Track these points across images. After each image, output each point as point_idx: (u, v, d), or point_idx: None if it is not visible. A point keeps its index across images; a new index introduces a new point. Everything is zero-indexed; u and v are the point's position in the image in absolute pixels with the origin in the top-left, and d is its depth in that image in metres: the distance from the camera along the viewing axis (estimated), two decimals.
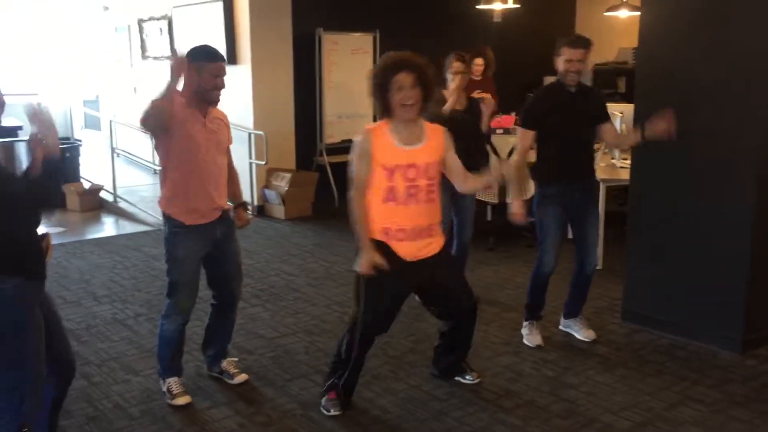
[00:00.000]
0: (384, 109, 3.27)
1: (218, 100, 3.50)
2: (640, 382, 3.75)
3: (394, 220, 3.23)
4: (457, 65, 4.62)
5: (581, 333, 4.29)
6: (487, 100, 4.85)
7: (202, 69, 3.37)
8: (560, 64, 3.92)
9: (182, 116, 3.36)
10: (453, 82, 4.61)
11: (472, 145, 4.59)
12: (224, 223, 3.58)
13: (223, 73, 3.43)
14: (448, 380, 3.76)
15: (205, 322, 3.83)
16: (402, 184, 3.20)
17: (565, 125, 3.95)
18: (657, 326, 4.38)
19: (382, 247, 3.24)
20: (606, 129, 4.09)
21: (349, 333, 3.42)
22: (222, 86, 3.44)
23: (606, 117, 4.08)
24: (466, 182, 3.42)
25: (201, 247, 3.51)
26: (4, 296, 2.58)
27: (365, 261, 3.22)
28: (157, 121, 3.28)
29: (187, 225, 3.45)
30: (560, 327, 4.42)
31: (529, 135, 4.05)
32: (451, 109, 4.55)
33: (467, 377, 3.76)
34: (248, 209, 3.89)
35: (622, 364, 3.97)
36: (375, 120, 3.43)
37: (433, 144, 3.29)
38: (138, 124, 3.34)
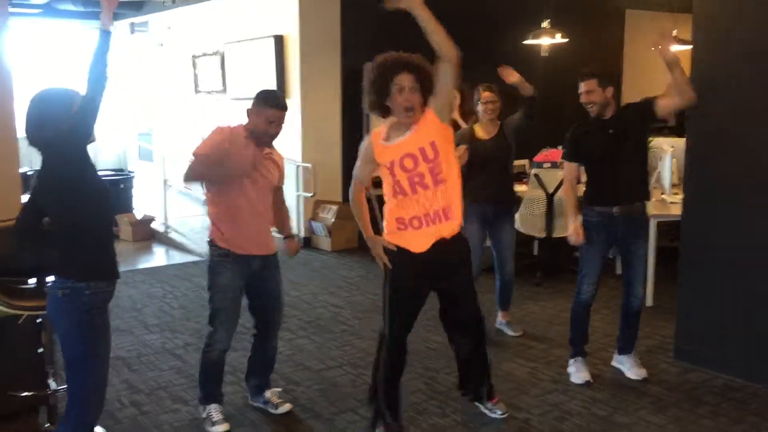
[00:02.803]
0: (381, 109, 3.25)
1: (269, 144, 3.58)
2: (693, 424, 3.65)
3: (406, 210, 3.26)
4: (486, 95, 4.70)
5: (632, 371, 4.19)
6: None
7: (260, 112, 3.48)
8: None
9: (238, 151, 3.46)
10: (485, 113, 4.71)
11: (499, 174, 4.73)
12: (262, 256, 3.61)
13: (280, 120, 3.50)
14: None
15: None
16: (403, 176, 3.22)
17: (601, 150, 3.99)
18: (712, 366, 4.26)
19: (396, 251, 3.30)
20: (658, 103, 3.91)
21: (377, 353, 3.43)
22: (275, 133, 3.53)
23: (650, 101, 3.94)
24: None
25: (240, 277, 3.57)
26: (84, 300, 2.69)
27: (374, 251, 3.38)
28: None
29: (228, 253, 3.51)
30: (613, 363, 4.34)
31: (572, 167, 4.16)
32: (481, 140, 4.70)
33: (495, 411, 3.66)
34: (297, 239, 3.92)
35: (675, 405, 3.87)
36: None
37: (421, 127, 3.19)
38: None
